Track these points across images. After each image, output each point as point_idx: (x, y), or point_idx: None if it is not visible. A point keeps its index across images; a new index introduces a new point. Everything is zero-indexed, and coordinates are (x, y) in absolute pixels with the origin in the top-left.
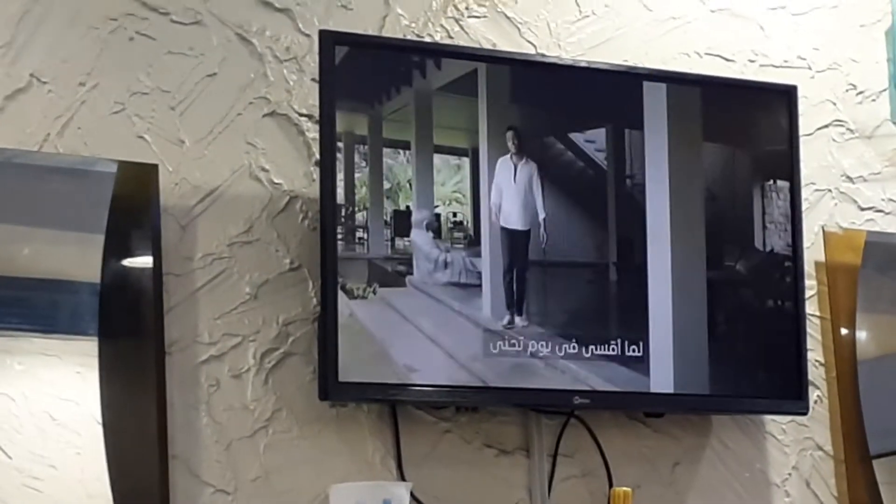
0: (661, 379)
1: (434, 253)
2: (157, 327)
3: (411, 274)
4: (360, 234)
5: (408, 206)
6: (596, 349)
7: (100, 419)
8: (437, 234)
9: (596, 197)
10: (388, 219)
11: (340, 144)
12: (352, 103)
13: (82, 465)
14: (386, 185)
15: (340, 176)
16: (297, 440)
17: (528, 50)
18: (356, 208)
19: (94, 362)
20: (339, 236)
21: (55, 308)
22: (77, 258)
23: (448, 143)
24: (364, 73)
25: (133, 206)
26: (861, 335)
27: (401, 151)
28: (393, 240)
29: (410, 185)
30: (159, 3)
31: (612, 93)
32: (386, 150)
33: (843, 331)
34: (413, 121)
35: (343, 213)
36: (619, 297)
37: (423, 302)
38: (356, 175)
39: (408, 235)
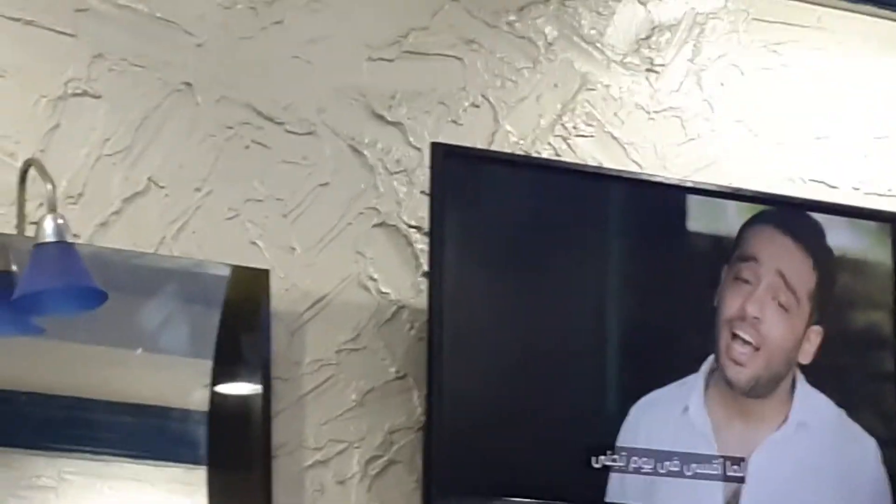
0: None
1: None
2: (265, 431)
3: None
4: None
5: None
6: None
7: None
8: None
9: None
10: None
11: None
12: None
13: None
14: None
15: None
16: None
17: (634, 168)
18: None
19: (183, 489)
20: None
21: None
22: (189, 359)
23: None
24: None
25: (245, 309)
26: None
27: None
28: None
29: None
30: (274, 112)
31: None
32: None
33: None
34: None
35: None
36: None
37: None
38: None
39: None
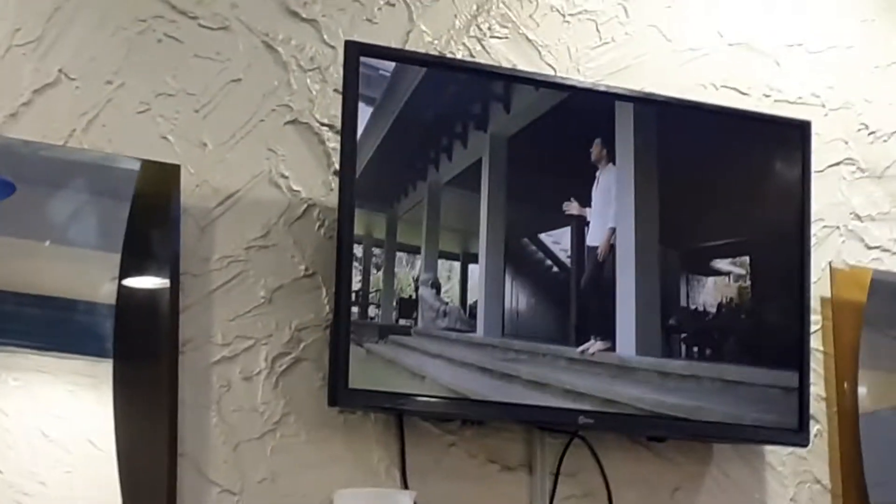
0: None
1: (436, 305)
2: (173, 326)
3: (417, 325)
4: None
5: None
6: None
7: (92, 439)
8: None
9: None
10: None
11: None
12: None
13: (72, 483)
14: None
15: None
16: (304, 444)
17: (548, 71)
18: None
19: (88, 381)
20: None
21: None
22: (97, 252)
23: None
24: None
25: (154, 204)
26: (864, 374)
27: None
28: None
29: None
30: (188, 6)
31: None
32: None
33: (846, 367)
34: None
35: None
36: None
37: (428, 339)
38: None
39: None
